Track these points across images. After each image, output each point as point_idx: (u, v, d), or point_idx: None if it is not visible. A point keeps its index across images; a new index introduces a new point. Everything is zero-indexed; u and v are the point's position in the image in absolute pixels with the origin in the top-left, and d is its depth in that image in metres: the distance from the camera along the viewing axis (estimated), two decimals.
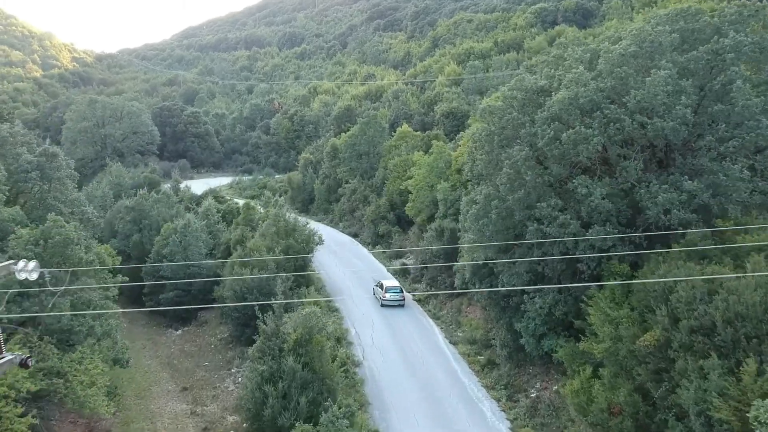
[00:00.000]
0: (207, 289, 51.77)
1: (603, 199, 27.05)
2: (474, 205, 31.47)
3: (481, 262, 32.71)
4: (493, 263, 32.67)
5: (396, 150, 71.76)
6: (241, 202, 77.76)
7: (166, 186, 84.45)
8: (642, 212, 27.71)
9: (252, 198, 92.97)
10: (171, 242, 54.17)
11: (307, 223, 51.18)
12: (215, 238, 61.35)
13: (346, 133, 79.14)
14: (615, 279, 27.75)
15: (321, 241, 51.27)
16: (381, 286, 47.26)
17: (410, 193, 57.84)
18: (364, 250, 62.56)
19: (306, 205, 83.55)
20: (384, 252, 61.34)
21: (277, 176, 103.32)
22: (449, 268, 46.34)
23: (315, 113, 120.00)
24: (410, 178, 59.21)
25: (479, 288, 35.55)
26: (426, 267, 50.87)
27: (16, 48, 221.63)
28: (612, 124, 27.42)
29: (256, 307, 32.77)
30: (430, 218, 54.27)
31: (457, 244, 45.15)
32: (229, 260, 47.94)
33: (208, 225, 63.03)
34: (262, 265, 43.21)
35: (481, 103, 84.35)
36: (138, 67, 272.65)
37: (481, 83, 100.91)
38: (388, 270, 55.39)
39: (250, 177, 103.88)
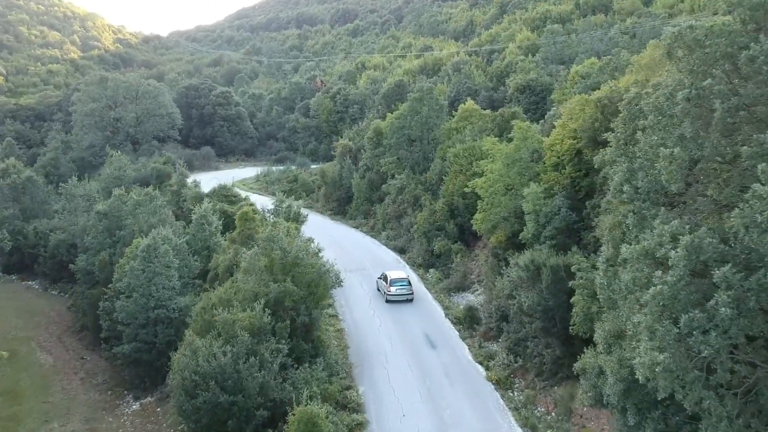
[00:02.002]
0: (180, 340, 34.84)
1: None
2: (656, 271, 12.83)
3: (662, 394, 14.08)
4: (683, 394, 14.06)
5: (458, 134, 53.11)
6: (264, 201, 60.35)
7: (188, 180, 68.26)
8: None
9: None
10: (129, 271, 37.19)
11: (319, 251, 33.30)
12: (208, 258, 44.32)
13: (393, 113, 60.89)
14: None
15: (339, 283, 33.36)
16: (385, 279, 39.99)
17: (479, 198, 39.27)
18: (413, 277, 44.33)
19: (342, 205, 65.64)
20: (440, 280, 43.01)
21: (312, 167, 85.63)
22: (550, 332, 27.84)
23: (361, 91, 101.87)
24: (479, 175, 40.64)
25: (637, 421, 17.03)
26: (506, 317, 32.38)
27: (56, 29, 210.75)
28: None
29: None
30: (512, 239, 35.67)
31: (566, 289, 26.74)
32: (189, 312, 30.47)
33: (201, 239, 46.13)
34: (231, 331, 25.49)
35: (567, 74, 65.57)
36: (185, 49, 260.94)
37: (562, 51, 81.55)
38: (448, 315, 37.04)
39: (282, 168, 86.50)
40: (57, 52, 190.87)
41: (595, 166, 23.32)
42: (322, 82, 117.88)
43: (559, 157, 34.80)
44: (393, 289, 39.01)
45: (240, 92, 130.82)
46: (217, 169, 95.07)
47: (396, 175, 57.15)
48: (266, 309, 26.72)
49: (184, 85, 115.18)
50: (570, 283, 25.02)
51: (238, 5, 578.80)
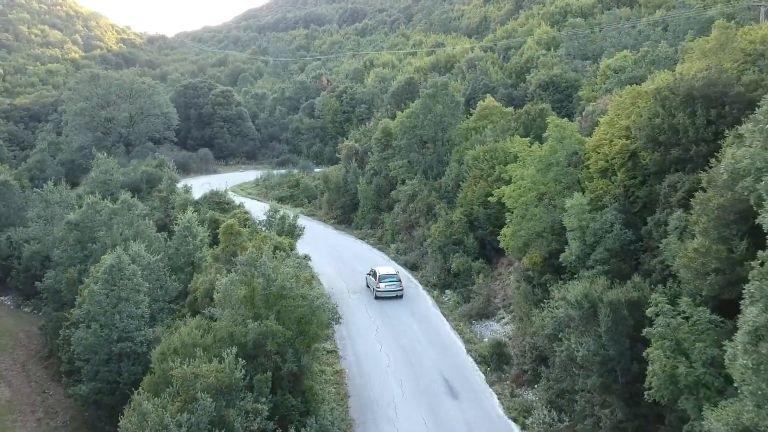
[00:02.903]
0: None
1: None
2: None
3: None
4: None
5: (477, 134, 47.06)
6: (262, 208, 53.67)
7: (179, 185, 62.40)
8: None
9: (280, 200, 69.78)
10: (89, 296, 31.20)
11: (313, 277, 27.22)
12: (192, 276, 38.30)
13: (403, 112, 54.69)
14: None
15: (336, 320, 27.22)
16: (374, 275, 39.06)
17: (504, 207, 33.10)
18: (427, 300, 38.15)
19: (347, 213, 59.40)
20: (459, 304, 36.79)
21: (316, 170, 79.37)
22: (610, 389, 21.55)
23: (369, 90, 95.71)
24: (505, 181, 34.52)
25: None
26: (545, 359, 26.16)
27: (57, 28, 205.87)
28: None
29: None
30: (549, 260, 29.40)
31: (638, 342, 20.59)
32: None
33: (184, 253, 40.20)
34: (191, 390, 19.33)
35: (595, 69, 59.64)
36: (190, 49, 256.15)
37: (585, 46, 75.61)
38: (470, 351, 30.82)
39: (283, 171, 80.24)
40: (57, 52, 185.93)
41: (723, 176, 16.76)
42: (327, 80, 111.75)
43: (607, 161, 28.57)
44: (382, 286, 37.83)
45: (243, 92, 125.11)
46: (215, 172, 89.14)
47: (407, 181, 51.03)
48: (240, 358, 20.57)
49: (183, 84, 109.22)
50: (644, 331, 18.73)
51: (246, 6, 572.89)
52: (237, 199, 62.48)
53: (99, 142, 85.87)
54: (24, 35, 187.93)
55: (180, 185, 62.69)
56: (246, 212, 51.54)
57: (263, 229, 39.09)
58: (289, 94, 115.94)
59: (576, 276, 26.21)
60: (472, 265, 38.42)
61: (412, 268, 44.01)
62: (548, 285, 27.72)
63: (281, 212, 39.86)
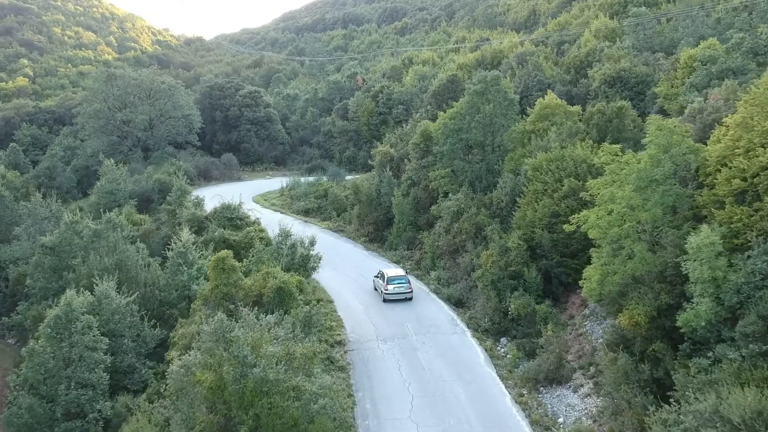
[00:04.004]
0: None
1: None
2: None
3: None
4: None
5: (538, 138, 38.46)
6: (285, 223, 45.26)
7: (193, 196, 55.26)
8: None
9: (305, 213, 61.93)
10: (27, 357, 23.57)
11: (315, 355, 18.87)
12: (187, 313, 30.59)
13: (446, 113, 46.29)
14: None
15: (348, 427, 18.94)
16: (382, 277, 37.23)
17: (592, 243, 24.46)
18: (478, 353, 29.55)
19: (380, 230, 50.96)
20: (519, 360, 28.21)
21: (348, 178, 71.15)
22: None
23: (407, 89, 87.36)
24: (580, 200, 25.90)
25: None
26: None
27: (92, 30, 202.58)
28: None
29: None
30: (659, 320, 20.65)
31: None
32: None
33: (177, 285, 32.56)
34: None
35: (673, 62, 50.70)
36: (226, 50, 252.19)
37: (652, 39, 66.51)
38: None
39: (312, 179, 72.25)
40: (90, 53, 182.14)
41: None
42: (363, 80, 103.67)
43: (746, 180, 19.76)
44: (391, 288, 36.50)
45: (274, 93, 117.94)
46: (239, 179, 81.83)
47: (450, 194, 42.56)
48: None
49: (208, 84, 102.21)
50: None
51: (285, 8, 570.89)
52: (257, 213, 54.95)
53: (115, 147, 79.56)
54: (57, 37, 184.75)
55: (193, 196, 55.47)
56: (261, 230, 43.97)
57: (268, 258, 31.00)
58: (322, 94, 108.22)
59: (710, 352, 17.53)
60: (537, 309, 29.79)
61: (457, 304, 35.47)
62: (662, 360, 19.05)
63: (292, 238, 31.78)
